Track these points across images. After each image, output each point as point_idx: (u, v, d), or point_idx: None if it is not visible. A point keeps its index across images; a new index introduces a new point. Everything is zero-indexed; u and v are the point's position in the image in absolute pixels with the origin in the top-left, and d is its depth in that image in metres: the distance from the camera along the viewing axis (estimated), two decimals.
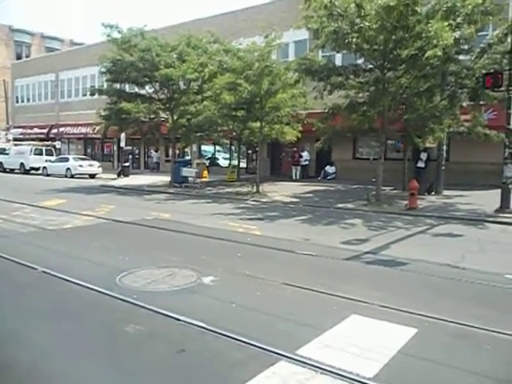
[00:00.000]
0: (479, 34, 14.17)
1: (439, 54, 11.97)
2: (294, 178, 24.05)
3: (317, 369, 3.53)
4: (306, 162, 24.50)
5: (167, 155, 30.68)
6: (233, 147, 28.67)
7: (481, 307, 5.12)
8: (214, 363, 3.71)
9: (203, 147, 30.43)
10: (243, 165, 26.87)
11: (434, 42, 11.88)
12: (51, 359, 3.85)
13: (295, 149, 24.08)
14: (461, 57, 15.03)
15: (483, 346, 4.06)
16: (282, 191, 18.10)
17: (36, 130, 39.73)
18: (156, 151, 32.23)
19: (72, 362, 3.78)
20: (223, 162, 29.98)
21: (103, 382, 3.51)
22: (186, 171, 20.88)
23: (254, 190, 17.53)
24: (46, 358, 3.88)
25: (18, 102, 44.25)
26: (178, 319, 4.49)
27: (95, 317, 4.76)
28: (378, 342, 4.04)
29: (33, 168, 29.68)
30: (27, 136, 39.46)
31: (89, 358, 3.88)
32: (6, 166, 31.75)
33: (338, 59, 19.02)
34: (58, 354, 3.95)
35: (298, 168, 24.38)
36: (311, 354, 3.76)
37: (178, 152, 27.41)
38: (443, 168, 16.97)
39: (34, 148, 30.81)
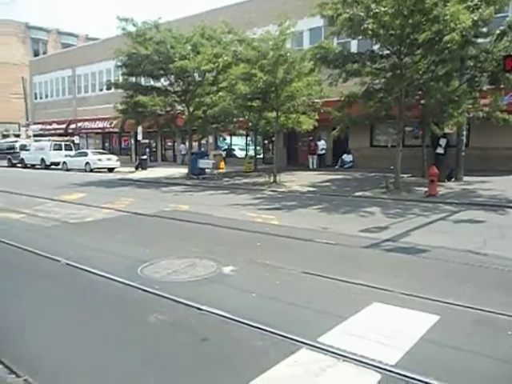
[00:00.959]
0: (498, 15, 13.82)
1: (457, 38, 11.72)
2: (310, 167, 23.95)
3: (339, 356, 3.56)
4: (323, 151, 24.36)
5: None
6: (249, 138, 28.66)
7: (503, 293, 5.07)
8: (236, 351, 3.76)
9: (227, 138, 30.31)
10: (260, 155, 26.85)
11: (452, 25, 11.63)
12: (77, 349, 3.94)
13: (311, 138, 23.94)
14: (479, 40, 14.69)
15: (505, 331, 4.03)
16: (299, 181, 18.06)
17: (55, 126, 40.34)
18: (184, 143, 30.66)
19: (97, 352, 3.88)
20: (240, 153, 29.99)
21: (129, 369, 3.59)
22: (202, 163, 20.98)
23: (271, 180, 17.52)
24: (71, 347, 3.98)
25: (36, 98, 44.89)
26: (200, 309, 4.56)
27: (118, 307, 4.87)
28: (399, 329, 4.05)
29: (53, 163, 30.18)
30: (46, 132, 40.06)
31: (113, 347, 3.99)
32: (27, 162, 32.35)
33: (354, 46, 18.81)
34: (84, 343, 4.05)
35: (315, 157, 24.25)
36: (333, 342, 3.78)
37: (201, 143, 27.28)
38: (463, 154, 16.70)
39: (53, 143, 31.30)
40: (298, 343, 3.76)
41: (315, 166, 23.94)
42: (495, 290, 5.20)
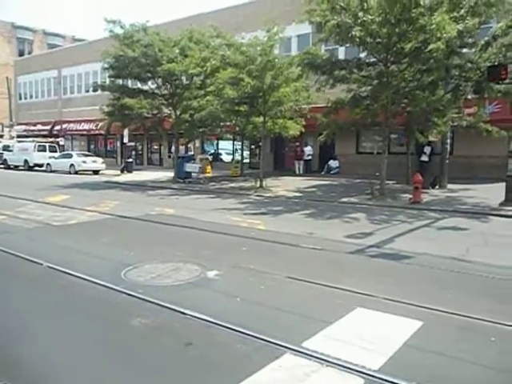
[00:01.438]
0: (483, 26, 14.06)
1: (442, 47, 11.89)
2: (297, 172, 24.02)
3: (322, 361, 3.54)
4: (309, 157, 24.47)
5: (170, 151, 30.64)
6: (236, 142, 28.62)
7: (486, 300, 5.12)
8: (220, 356, 3.72)
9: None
10: (246, 160, 26.86)
11: (438, 34, 11.81)
12: (59, 353, 3.87)
13: (298, 143, 24.04)
14: (464, 50, 14.92)
15: (489, 338, 4.06)
16: (285, 186, 18.09)
17: (39, 127, 39.81)
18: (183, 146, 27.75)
19: (80, 356, 3.80)
20: (226, 158, 29.95)
21: (112, 375, 3.52)
22: (189, 167, 20.88)
23: (258, 185, 17.53)
24: (53, 352, 3.90)
25: (21, 98, 44.31)
26: (184, 313, 4.51)
27: (101, 311, 4.79)
28: (383, 335, 4.05)
29: (37, 164, 29.79)
30: (30, 133, 39.53)
31: (96, 351, 3.91)
32: (10, 163, 31.86)
33: (341, 53, 19.00)
34: (66, 348, 3.97)
35: (301, 163, 24.33)
36: (317, 347, 3.77)
37: (187, 147, 26.68)
38: (447, 162, 16.92)
39: (37, 145, 30.88)
40: (282, 348, 3.74)
41: (301, 172, 24.02)
42: (479, 297, 5.25)
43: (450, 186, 16.61)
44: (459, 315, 4.50)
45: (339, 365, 3.49)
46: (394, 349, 3.78)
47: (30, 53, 50.84)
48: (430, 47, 11.88)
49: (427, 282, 5.85)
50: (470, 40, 14.45)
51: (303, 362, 3.56)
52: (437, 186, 16.64)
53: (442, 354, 3.74)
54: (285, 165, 26.11)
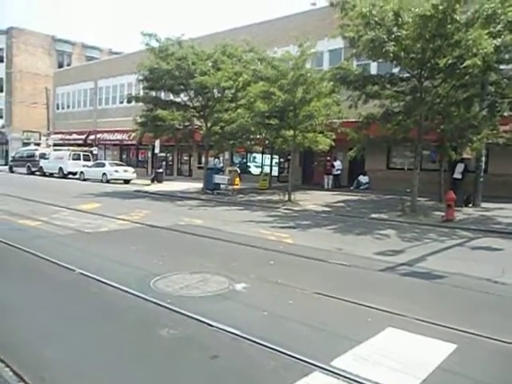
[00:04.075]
0: None
1: (479, 63, 11.65)
2: (326, 187, 23.85)
3: (352, 381, 3.46)
4: (339, 172, 24.25)
5: (200, 162, 30.97)
6: (265, 155, 28.66)
7: None
8: (247, 370, 3.69)
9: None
10: (275, 173, 26.87)
11: (474, 50, 11.60)
12: (87, 360, 3.91)
13: (328, 158, 23.90)
14: (501, 66, 14.60)
15: None
16: (313, 200, 17.97)
17: (74, 136, 40.98)
18: (217, 158, 26.28)
19: (107, 364, 3.84)
20: (255, 170, 30.05)
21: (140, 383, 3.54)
22: (218, 178, 21.04)
23: (286, 199, 17.47)
24: (81, 358, 3.94)
25: (58, 108, 45.77)
26: (211, 325, 4.50)
27: (130, 319, 4.83)
28: (415, 357, 3.93)
29: (71, 172, 30.63)
30: (66, 142, 40.71)
31: (124, 360, 3.94)
32: (45, 170, 32.85)
33: (373, 68, 18.87)
34: (94, 355, 4.02)
35: (330, 177, 24.15)
36: (346, 366, 3.69)
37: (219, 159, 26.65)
38: (481, 179, 16.49)
39: (72, 153, 31.77)
40: (311, 366, 3.67)
41: (330, 186, 23.82)
42: None
43: (484, 204, 16.15)
44: (494, 339, 4.33)
45: None
46: (426, 372, 3.66)
47: (68, 65, 52.59)
48: (466, 63, 11.63)
49: (461, 303, 5.67)
50: (507, 56, 14.15)
51: (332, 381, 3.48)
52: (470, 205, 16.20)
53: (477, 379, 3.60)
54: (313, 179, 25.96)
